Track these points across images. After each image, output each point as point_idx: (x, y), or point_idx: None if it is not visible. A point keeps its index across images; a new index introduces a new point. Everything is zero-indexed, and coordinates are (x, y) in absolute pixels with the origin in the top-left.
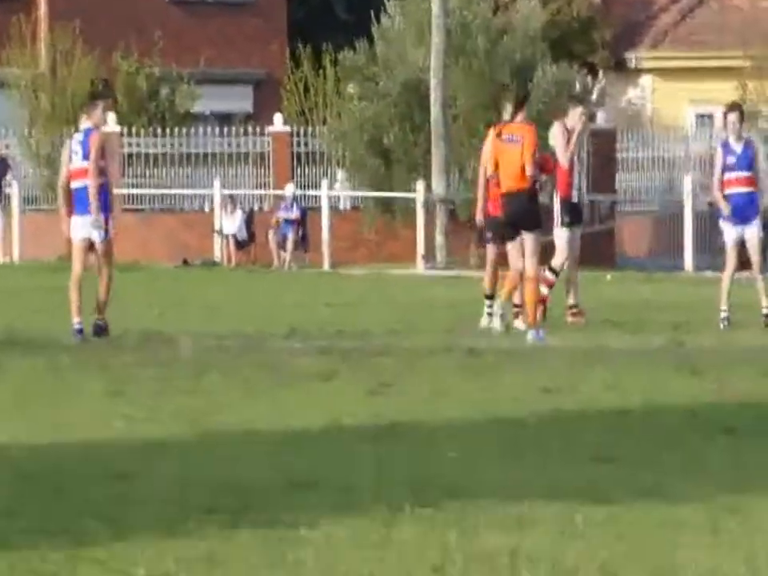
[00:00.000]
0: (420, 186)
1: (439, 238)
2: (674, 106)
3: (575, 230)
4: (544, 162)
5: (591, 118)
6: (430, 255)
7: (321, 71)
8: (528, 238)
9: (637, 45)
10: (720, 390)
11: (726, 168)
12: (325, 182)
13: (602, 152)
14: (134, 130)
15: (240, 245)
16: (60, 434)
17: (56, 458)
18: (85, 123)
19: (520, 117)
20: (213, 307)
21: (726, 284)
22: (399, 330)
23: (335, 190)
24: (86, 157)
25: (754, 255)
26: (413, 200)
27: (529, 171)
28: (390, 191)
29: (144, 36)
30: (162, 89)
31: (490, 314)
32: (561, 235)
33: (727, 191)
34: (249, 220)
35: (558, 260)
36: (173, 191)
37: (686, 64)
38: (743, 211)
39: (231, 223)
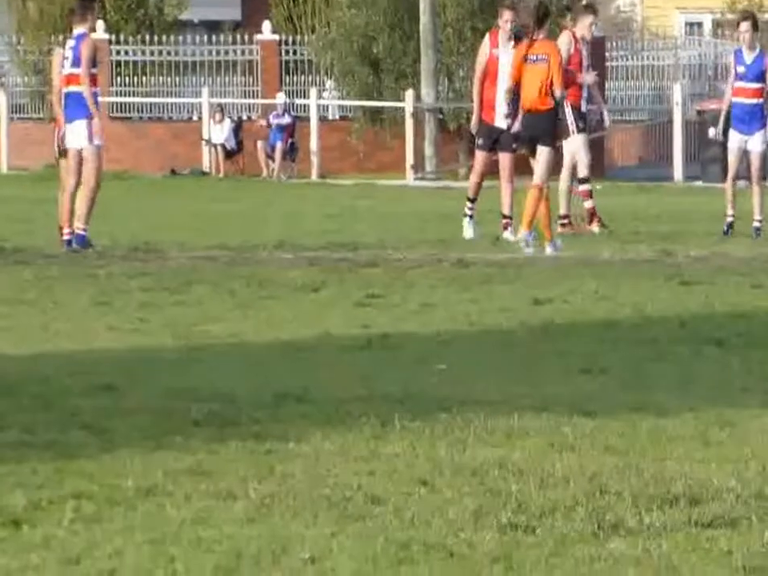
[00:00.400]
0: (409, 95)
1: (428, 149)
2: (663, 13)
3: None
4: (565, 77)
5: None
6: (419, 165)
7: None
8: (543, 151)
9: None
10: (709, 301)
11: (735, 77)
12: (314, 91)
13: (591, 60)
14: (121, 37)
15: (229, 154)
16: (46, 346)
17: (42, 370)
18: (77, 28)
19: (542, 34)
20: (201, 218)
21: (729, 191)
22: (388, 241)
23: (324, 99)
24: (76, 63)
25: (754, 165)
26: (402, 109)
27: (557, 93)
28: (379, 100)
29: None
30: None
31: (471, 216)
32: (577, 142)
33: (734, 99)
34: (237, 129)
35: (582, 168)
36: (161, 100)
37: None
38: (749, 121)
39: (220, 132)
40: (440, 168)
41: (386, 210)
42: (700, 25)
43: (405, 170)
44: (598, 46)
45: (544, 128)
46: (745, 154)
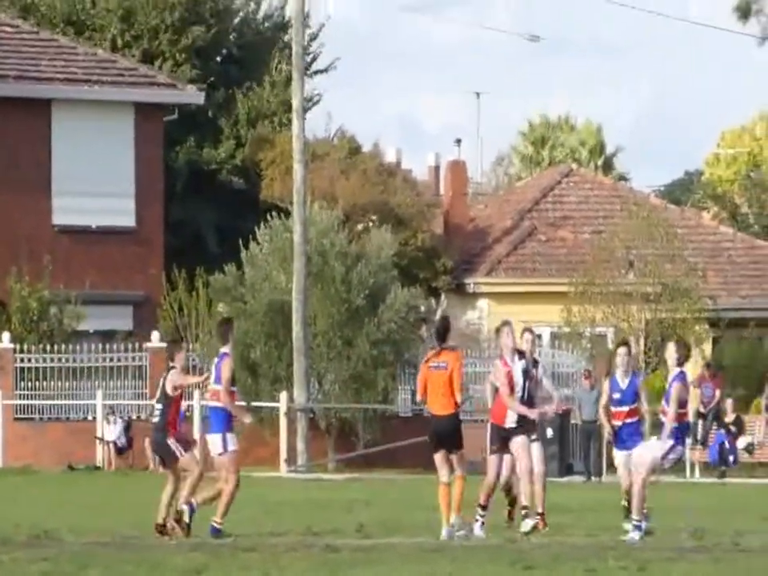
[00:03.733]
0: (283, 396)
1: (300, 444)
2: None
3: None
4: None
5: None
6: (292, 459)
7: (194, 293)
8: (455, 457)
9: (474, 272)
10: None
11: (612, 402)
12: (197, 393)
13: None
14: (25, 346)
15: (120, 450)
16: None
17: None
18: (221, 348)
19: (443, 346)
20: (94, 507)
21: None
22: (264, 527)
23: (206, 401)
24: (217, 380)
25: (637, 469)
26: (277, 409)
27: (458, 398)
28: (257, 401)
29: (35, 261)
30: (52, 309)
31: (482, 522)
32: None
33: (614, 422)
34: (127, 428)
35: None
36: (60, 402)
37: (517, 289)
38: (628, 439)
39: (112, 431)
40: (310, 462)
41: (263, 499)
42: (539, 336)
43: (280, 463)
44: None
45: (452, 432)
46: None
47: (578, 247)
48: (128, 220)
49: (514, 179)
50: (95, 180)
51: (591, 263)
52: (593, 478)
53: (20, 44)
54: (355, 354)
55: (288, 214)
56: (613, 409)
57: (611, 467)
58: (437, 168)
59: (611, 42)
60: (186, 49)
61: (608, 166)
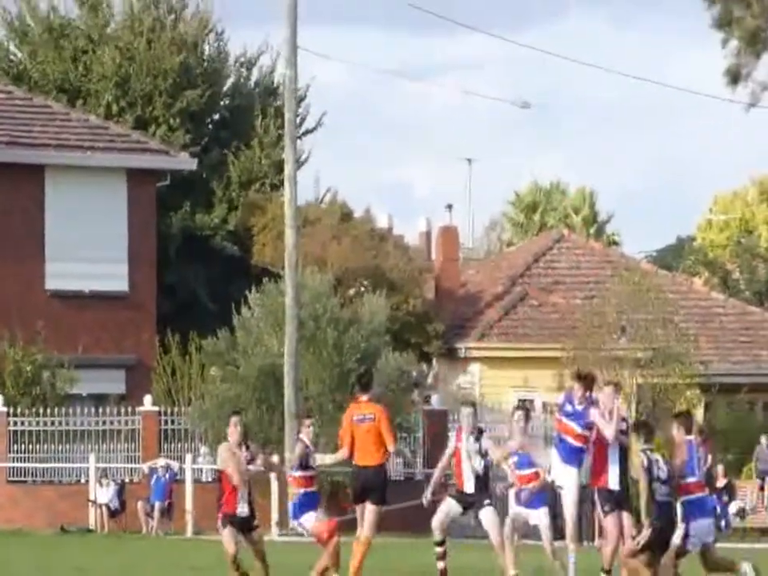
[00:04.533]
0: (275, 459)
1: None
2: (499, 390)
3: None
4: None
5: (426, 400)
6: (283, 521)
7: (187, 357)
8: (371, 510)
9: (466, 336)
10: None
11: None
12: (189, 456)
13: (435, 430)
14: (18, 410)
15: (112, 513)
16: None
17: None
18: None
19: (365, 397)
20: (86, 570)
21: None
22: None
23: (198, 464)
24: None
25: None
26: (268, 472)
27: (390, 447)
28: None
29: (28, 325)
30: (45, 373)
31: None
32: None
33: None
34: (120, 490)
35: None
36: (52, 465)
37: (509, 354)
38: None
39: (104, 494)
40: None
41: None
42: (532, 401)
43: (271, 525)
44: (441, 417)
45: (377, 484)
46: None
47: (570, 312)
48: (121, 284)
49: (505, 245)
50: (88, 245)
51: (583, 328)
52: (585, 542)
53: (13, 110)
54: None
55: (280, 278)
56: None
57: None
58: (428, 233)
59: (602, 108)
60: (179, 113)
61: (600, 232)
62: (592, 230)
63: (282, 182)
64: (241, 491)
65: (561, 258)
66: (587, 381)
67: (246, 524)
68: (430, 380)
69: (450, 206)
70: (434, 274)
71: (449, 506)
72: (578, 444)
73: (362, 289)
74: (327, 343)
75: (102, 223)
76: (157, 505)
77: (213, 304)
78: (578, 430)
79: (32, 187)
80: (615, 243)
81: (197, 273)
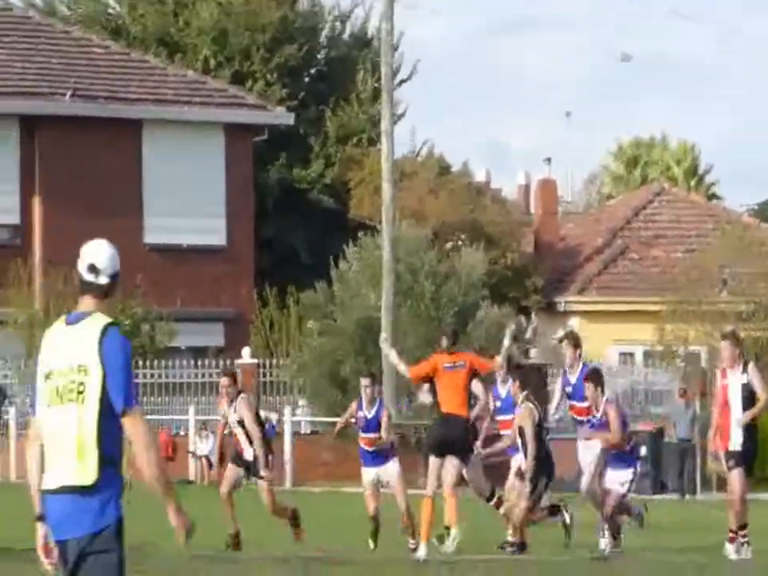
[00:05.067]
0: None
1: None
2: (599, 344)
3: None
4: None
5: (525, 354)
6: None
7: (285, 310)
8: (452, 464)
9: (565, 290)
10: None
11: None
12: (288, 409)
13: (535, 384)
14: None
15: (212, 465)
16: None
17: None
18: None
19: (455, 348)
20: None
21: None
22: (355, 542)
23: (297, 416)
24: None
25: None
26: None
27: (491, 364)
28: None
29: (127, 280)
30: (144, 326)
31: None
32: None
33: None
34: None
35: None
36: (152, 417)
37: (609, 308)
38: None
39: (204, 446)
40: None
41: (352, 514)
42: (632, 355)
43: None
44: (540, 372)
45: (461, 435)
46: None
47: (671, 266)
48: (219, 238)
49: (605, 198)
50: (186, 199)
51: (683, 282)
52: (687, 495)
53: (111, 65)
54: None
55: (377, 232)
56: None
57: (705, 485)
58: (527, 187)
59: (704, 59)
60: (277, 68)
61: (701, 185)
62: (693, 183)
63: (378, 137)
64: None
65: (661, 211)
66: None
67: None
68: (528, 335)
69: (548, 160)
70: (532, 228)
71: None
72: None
73: (460, 243)
74: (424, 297)
75: (200, 177)
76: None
77: (310, 258)
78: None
79: (130, 142)
80: (716, 197)
81: (294, 227)
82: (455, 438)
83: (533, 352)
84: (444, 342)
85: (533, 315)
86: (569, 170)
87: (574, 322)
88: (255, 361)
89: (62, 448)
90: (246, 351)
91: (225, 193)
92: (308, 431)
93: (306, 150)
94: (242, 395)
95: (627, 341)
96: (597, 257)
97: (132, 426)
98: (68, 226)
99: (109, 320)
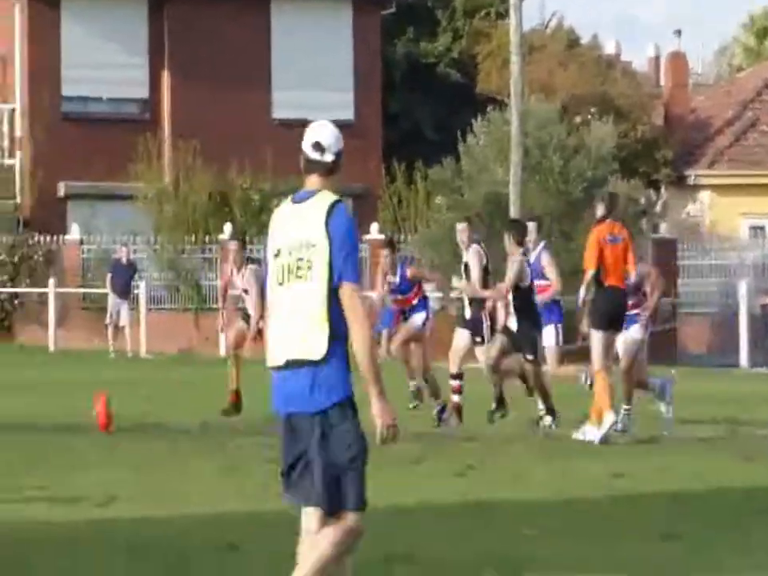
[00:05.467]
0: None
1: None
2: (729, 218)
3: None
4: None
5: (655, 228)
6: None
7: (412, 185)
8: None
9: (695, 164)
10: None
11: None
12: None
13: (664, 259)
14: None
15: None
16: (179, 509)
17: (174, 531)
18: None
19: (612, 219)
20: None
21: None
22: (480, 419)
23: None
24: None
25: None
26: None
27: (632, 270)
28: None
29: (255, 154)
30: (273, 201)
31: None
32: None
33: None
34: None
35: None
36: None
37: (740, 181)
38: None
39: None
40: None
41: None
42: (762, 228)
43: None
44: (670, 247)
45: (624, 307)
46: None
47: None
48: (347, 113)
49: (735, 70)
50: (314, 74)
51: None
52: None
53: None
54: (574, 246)
55: (505, 106)
56: None
57: None
58: (656, 59)
59: None
60: None
61: None
62: None
63: (506, 11)
64: None
65: None
66: None
67: None
68: (658, 208)
69: (678, 32)
70: (662, 101)
71: None
72: None
73: (589, 116)
74: (553, 171)
75: (328, 52)
76: (385, 332)
77: (437, 133)
78: None
79: (258, 17)
80: None
81: (421, 101)
82: (620, 313)
83: (662, 227)
84: (600, 209)
85: (662, 189)
86: (699, 43)
87: (704, 196)
88: (383, 237)
89: (292, 324)
90: (374, 227)
91: (353, 67)
92: (436, 307)
93: (434, 23)
94: (251, 266)
95: (757, 214)
96: (727, 129)
97: (349, 299)
98: (197, 101)
99: (335, 197)
